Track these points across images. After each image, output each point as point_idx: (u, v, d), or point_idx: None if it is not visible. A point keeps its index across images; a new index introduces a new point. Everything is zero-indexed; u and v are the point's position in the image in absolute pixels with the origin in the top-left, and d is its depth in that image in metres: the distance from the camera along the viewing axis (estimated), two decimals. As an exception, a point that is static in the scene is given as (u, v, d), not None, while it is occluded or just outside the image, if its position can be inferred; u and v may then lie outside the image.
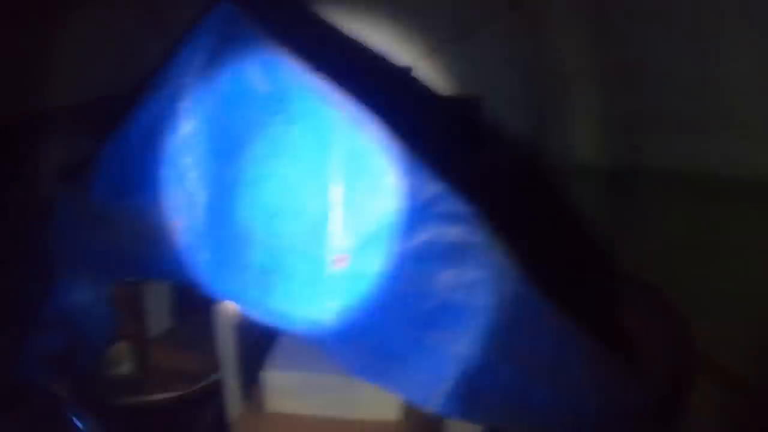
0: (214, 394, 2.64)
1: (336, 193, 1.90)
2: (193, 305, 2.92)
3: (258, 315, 2.06)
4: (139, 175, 2.29)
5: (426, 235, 1.76)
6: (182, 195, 2.20)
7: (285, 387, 2.27)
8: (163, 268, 2.29)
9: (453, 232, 1.73)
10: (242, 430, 2.30)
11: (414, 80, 2.87)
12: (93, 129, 2.96)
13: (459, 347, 1.49)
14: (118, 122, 2.36)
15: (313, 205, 1.93)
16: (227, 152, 2.18)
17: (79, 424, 2.66)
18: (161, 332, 3.01)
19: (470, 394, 1.42)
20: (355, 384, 1.99)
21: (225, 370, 2.47)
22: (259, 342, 2.57)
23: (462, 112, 2.87)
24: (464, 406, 1.44)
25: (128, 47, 3.24)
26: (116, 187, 2.38)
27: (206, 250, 2.14)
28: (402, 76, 2.82)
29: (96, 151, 2.51)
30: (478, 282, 1.62)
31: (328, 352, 1.84)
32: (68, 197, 2.57)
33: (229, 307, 2.32)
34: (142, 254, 2.35)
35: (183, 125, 2.25)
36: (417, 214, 1.78)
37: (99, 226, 2.45)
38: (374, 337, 1.64)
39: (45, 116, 3.41)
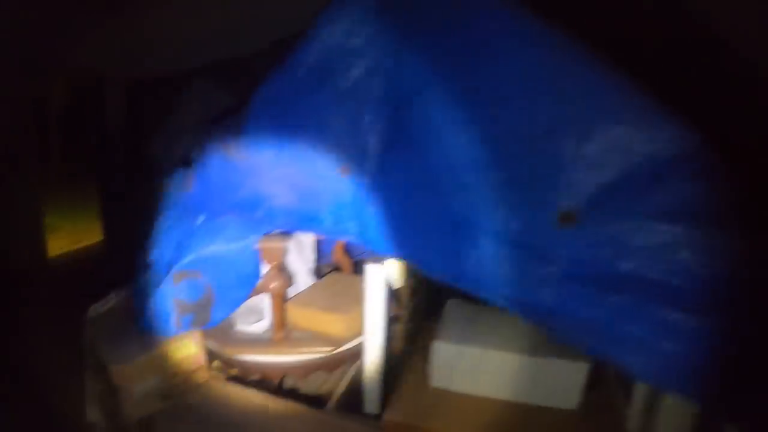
0: (348, 360, 2.57)
1: (562, 143, 1.62)
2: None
3: (442, 276, 1.86)
4: (297, 121, 2.14)
5: (667, 193, 1.49)
6: (352, 141, 2.02)
7: (455, 360, 2.09)
8: (321, 221, 2.14)
9: (698, 192, 1.45)
10: (402, 403, 2.12)
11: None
12: (231, 86, 3.25)
13: (695, 322, 1.34)
14: (258, 78, 2.25)
15: (527, 156, 1.70)
16: (409, 94, 1.95)
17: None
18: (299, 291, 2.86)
19: (706, 370, 1.31)
20: (532, 365, 1.90)
21: (369, 336, 2.30)
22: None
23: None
24: (701, 382, 1.34)
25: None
26: (271, 135, 2.24)
27: (379, 203, 1.95)
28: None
29: (239, 104, 2.44)
30: (722, 251, 1.39)
31: (542, 322, 1.66)
32: (216, 148, 2.49)
33: (379, 267, 2.13)
34: (296, 206, 2.21)
35: (355, 66, 2.05)
36: (658, 169, 1.49)
37: (250, 175, 2.34)
38: (602, 311, 1.46)
39: (187, 74, 3.59)
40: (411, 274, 2.33)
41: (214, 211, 2.55)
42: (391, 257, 2.08)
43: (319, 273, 3.06)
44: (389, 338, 2.27)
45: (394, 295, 2.34)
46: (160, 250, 2.67)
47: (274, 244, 2.50)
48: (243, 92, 2.42)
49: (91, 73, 5.75)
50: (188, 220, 2.66)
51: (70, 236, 5.90)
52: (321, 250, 3.11)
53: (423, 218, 1.85)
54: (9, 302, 4.46)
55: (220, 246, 2.54)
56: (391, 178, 1.93)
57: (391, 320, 2.36)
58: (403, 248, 1.83)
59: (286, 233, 2.52)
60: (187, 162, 2.78)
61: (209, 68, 3.66)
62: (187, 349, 2.52)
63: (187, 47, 3.65)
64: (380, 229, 1.85)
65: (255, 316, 2.77)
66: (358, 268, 2.90)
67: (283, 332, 2.63)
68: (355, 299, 2.53)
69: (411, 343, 2.45)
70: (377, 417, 2.18)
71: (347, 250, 3.09)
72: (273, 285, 2.52)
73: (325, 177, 1.93)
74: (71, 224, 6.25)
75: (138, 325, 2.53)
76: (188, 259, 2.52)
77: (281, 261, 2.57)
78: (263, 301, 2.75)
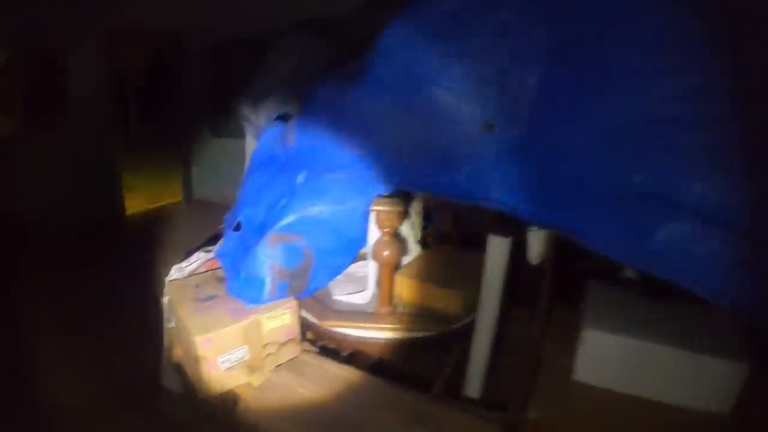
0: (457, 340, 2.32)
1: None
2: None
3: (614, 253, 1.58)
4: (432, 67, 1.85)
5: None
6: (501, 92, 1.74)
7: (606, 352, 1.84)
8: (455, 184, 1.88)
9: None
10: (545, 402, 1.87)
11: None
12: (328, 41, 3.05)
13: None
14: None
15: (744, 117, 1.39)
16: (580, 37, 1.65)
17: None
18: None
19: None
20: (689, 361, 1.69)
21: (482, 315, 2.08)
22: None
23: None
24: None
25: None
26: (397, 82, 1.97)
27: (531, 165, 1.68)
28: None
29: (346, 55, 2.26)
30: None
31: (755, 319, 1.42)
32: (326, 98, 2.27)
33: (503, 240, 1.92)
34: (422, 165, 1.96)
35: (507, 5, 1.75)
36: None
37: (365, 129, 2.10)
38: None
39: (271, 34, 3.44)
40: (553, 248, 2.09)
41: (318, 169, 2.32)
42: (542, 227, 1.93)
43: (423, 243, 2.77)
44: (500, 319, 2.08)
45: (529, 273, 2.17)
46: (252, 210, 2.47)
47: (390, 207, 2.23)
48: (346, 46, 2.26)
49: (173, 35, 5.75)
50: (286, 179, 2.44)
51: (147, 196, 6.29)
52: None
53: (592, 186, 1.58)
54: (91, 254, 4.65)
55: (323, 207, 2.30)
56: (548, 137, 1.67)
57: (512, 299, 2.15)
58: (562, 218, 1.65)
59: (402, 196, 2.25)
60: (286, 116, 2.59)
61: (294, 27, 3.47)
62: (280, 318, 2.28)
63: (270, 7, 3.74)
64: (531, 195, 1.67)
65: (356, 285, 2.56)
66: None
67: (389, 306, 2.39)
68: (468, 274, 2.31)
69: (543, 328, 2.24)
70: (477, 402, 2.07)
71: (457, 220, 2.83)
72: (385, 253, 2.27)
73: (462, 133, 1.74)
74: (148, 185, 6.48)
75: (227, 290, 2.32)
76: (287, 220, 2.29)
77: (396, 227, 2.31)
78: (366, 270, 2.52)
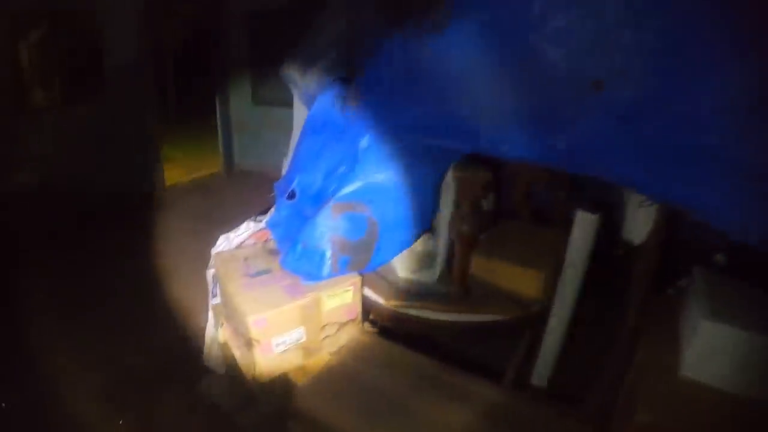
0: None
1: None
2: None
3: (730, 228, 1.39)
4: (534, 14, 1.53)
5: None
6: (614, 50, 1.44)
7: (721, 346, 1.54)
8: (554, 151, 1.61)
9: None
10: (654, 401, 1.57)
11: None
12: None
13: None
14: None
15: None
16: None
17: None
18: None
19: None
20: None
21: (561, 298, 1.91)
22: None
23: None
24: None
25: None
26: (484, 32, 1.67)
27: (643, 131, 1.44)
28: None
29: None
30: None
31: None
32: (395, 55, 1.94)
33: (592, 216, 1.76)
34: (513, 129, 1.69)
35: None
36: None
37: (443, 87, 1.82)
38: None
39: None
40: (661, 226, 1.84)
41: (384, 132, 2.07)
42: (656, 202, 1.76)
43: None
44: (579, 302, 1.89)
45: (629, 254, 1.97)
46: (307, 177, 2.22)
47: (473, 176, 2.02)
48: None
49: (212, 3, 5.53)
50: (346, 143, 2.17)
51: (187, 166, 6.20)
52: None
53: (728, 160, 1.34)
54: (131, 225, 4.59)
55: (391, 174, 2.07)
56: (672, 102, 1.39)
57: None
58: (686, 194, 1.44)
59: (490, 163, 2.02)
60: (344, 78, 2.34)
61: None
62: (341, 297, 2.05)
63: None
64: (647, 165, 1.47)
65: (421, 262, 2.31)
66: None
67: (463, 287, 2.17)
68: (544, 252, 2.11)
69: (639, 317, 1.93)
70: (542, 391, 1.93)
71: (530, 194, 2.55)
72: (464, 228, 2.04)
73: (564, 92, 1.52)
74: (188, 155, 6.33)
75: (280, 264, 2.09)
76: (350, 188, 2.05)
77: (479, 199, 2.08)
78: (435, 245, 2.27)
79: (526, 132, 1.64)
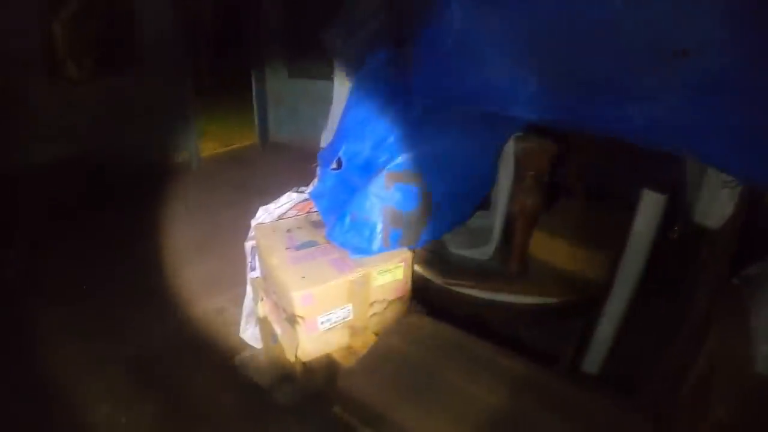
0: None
1: None
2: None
3: None
4: None
5: None
6: (702, 13, 1.32)
7: None
8: (627, 117, 1.47)
9: None
10: (731, 398, 1.38)
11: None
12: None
13: None
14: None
15: None
16: None
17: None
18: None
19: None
20: None
21: (621, 281, 1.77)
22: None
23: None
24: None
25: None
26: None
27: (734, 104, 1.31)
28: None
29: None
30: None
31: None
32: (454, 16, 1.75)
33: (659, 197, 1.60)
34: (586, 90, 1.55)
35: None
36: None
37: (506, 50, 1.68)
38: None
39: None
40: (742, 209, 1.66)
41: (440, 99, 1.91)
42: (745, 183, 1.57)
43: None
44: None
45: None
46: (355, 146, 2.06)
47: (542, 145, 1.85)
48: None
49: None
50: (398, 110, 2.02)
51: (221, 139, 6.13)
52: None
53: None
54: (166, 197, 4.51)
55: (447, 143, 1.93)
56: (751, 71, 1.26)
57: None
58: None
59: (551, 135, 1.83)
60: (397, 41, 2.16)
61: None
62: (392, 273, 1.92)
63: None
64: (737, 143, 1.32)
65: (475, 237, 2.18)
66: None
67: (522, 265, 2.01)
68: (604, 233, 1.94)
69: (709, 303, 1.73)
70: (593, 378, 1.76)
71: (583, 170, 2.31)
72: (528, 202, 1.88)
73: (645, 58, 1.40)
74: (223, 128, 6.26)
75: (327, 237, 1.96)
76: (402, 158, 1.91)
77: (544, 171, 1.90)
78: (491, 220, 2.12)
79: (600, 102, 1.51)
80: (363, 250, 1.81)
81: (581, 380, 1.77)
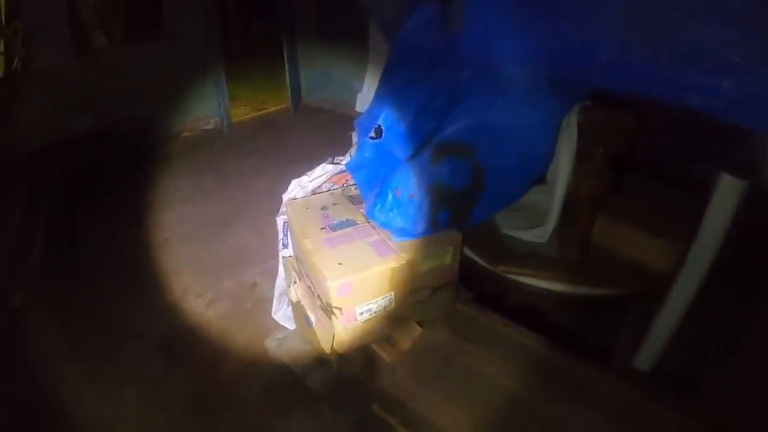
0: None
1: None
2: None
3: None
4: None
5: None
6: None
7: None
8: (718, 91, 1.28)
9: None
10: None
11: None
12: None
13: None
14: None
15: None
16: None
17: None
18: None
19: None
20: None
21: (688, 272, 1.56)
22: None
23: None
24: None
25: None
26: None
27: None
28: None
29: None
30: None
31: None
32: None
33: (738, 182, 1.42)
34: (667, 57, 1.37)
35: None
36: None
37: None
38: None
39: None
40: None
41: (495, 61, 1.70)
42: None
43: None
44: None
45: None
46: (396, 112, 1.85)
47: (618, 119, 1.60)
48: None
49: None
50: (445, 73, 1.82)
51: (252, 104, 5.96)
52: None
53: None
54: (197, 164, 4.39)
55: (502, 112, 1.70)
56: None
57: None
58: None
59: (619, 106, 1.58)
60: None
61: None
62: (439, 258, 1.71)
63: None
64: None
65: (528, 217, 2.00)
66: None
67: (584, 252, 1.80)
68: (678, 220, 1.70)
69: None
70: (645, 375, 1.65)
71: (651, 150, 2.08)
72: (596, 183, 1.65)
73: (741, 22, 1.22)
74: (254, 92, 6.23)
75: (366, 216, 1.77)
76: (452, 128, 1.69)
77: (622, 148, 1.67)
78: (548, 199, 1.90)
79: (691, 73, 1.35)
80: (407, 232, 1.61)
81: (634, 378, 1.63)
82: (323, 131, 4.65)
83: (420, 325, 1.70)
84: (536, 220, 1.89)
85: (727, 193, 1.48)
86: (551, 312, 1.92)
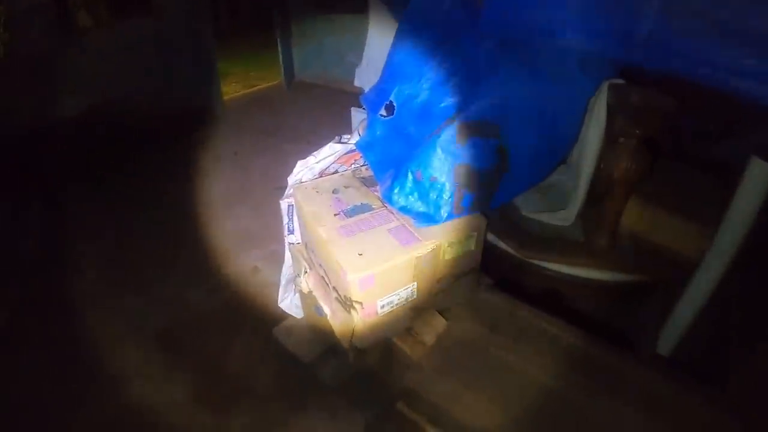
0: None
1: None
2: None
3: None
4: None
5: None
6: None
7: None
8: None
9: None
10: None
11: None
12: None
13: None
14: None
15: None
16: None
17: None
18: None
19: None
20: None
21: (713, 257, 1.53)
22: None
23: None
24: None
25: None
26: None
27: None
28: None
29: None
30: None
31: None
32: None
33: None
34: (704, 34, 1.26)
35: None
36: None
37: None
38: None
39: None
40: None
41: (520, 34, 1.60)
42: None
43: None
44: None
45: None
46: (409, 87, 1.72)
47: (656, 100, 1.48)
48: None
49: None
50: (464, 46, 1.69)
51: (244, 80, 5.79)
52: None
53: None
54: (193, 142, 4.26)
55: (531, 89, 1.59)
56: None
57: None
58: None
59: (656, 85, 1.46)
60: None
61: None
62: (464, 244, 1.60)
63: None
64: None
65: (548, 199, 1.89)
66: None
67: (613, 238, 1.72)
68: (709, 204, 1.60)
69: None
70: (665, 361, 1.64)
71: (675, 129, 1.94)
72: (631, 166, 1.54)
73: None
74: (246, 69, 6.06)
75: (383, 199, 1.64)
76: (475, 106, 1.54)
77: (657, 131, 1.58)
78: (567, 178, 1.85)
79: (733, 54, 1.24)
80: (430, 217, 1.50)
81: (668, 370, 1.56)
82: (319, 107, 4.50)
83: (442, 316, 1.60)
84: (557, 202, 1.80)
85: (756, 177, 1.42)
86: (571, 298, 1.83)
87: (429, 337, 1.54)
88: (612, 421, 1.25)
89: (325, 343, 1.83)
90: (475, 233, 1.52)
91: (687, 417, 1.28)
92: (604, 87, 1.60)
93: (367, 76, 2.82)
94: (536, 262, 1.66)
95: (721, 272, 1.56)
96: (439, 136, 1.44)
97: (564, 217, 1.73)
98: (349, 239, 1.43)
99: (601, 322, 1.80)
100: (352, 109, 2.66)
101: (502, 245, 1.69)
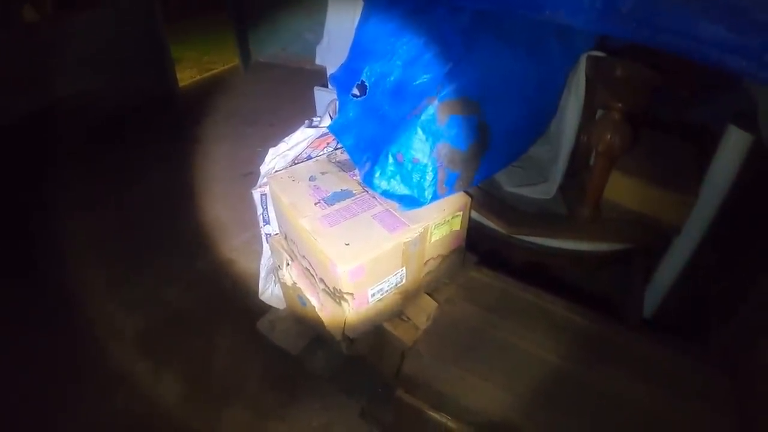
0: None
1: None
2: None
3: None
4: None
5: None
6: None
7: None
8: (743, 48, 1.05)
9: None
10: None
11: None
12: None
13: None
14: None
15: None
16: None
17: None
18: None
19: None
20: None
21: (695, 221, 1.64)
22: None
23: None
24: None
25: None
26: None
27: None
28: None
29: None
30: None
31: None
32: None
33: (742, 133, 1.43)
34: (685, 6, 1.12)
35: None
36: None
37: None
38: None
39: None
40: None
41: (498, 4, 1.42)
42: None
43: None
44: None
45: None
46: (382, 65, 1.65)
47: (640, 73, 1.47)
48: None
49: None
50: (438, 19, 1.62)
51: (199, 65, 5.55)
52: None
53: None
54: (146, 133, 4.06)
55: (507, 64, 1.55)
56: None
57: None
58: None
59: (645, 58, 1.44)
60: None
61: None
62: (449, 224, 1.57)
63: None
64: None
65: (528, 172, 1.88)
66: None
67: (596, 209, 1.72)
68: (688, 172, 1.69)
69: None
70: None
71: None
72: (613, 139, 1.52)
73: None
74: (200, 53, 5.82)
75: (362, 183, 1.60)
76: (455, 83, 1.49)
77: (643, 105, 1.57)
78: (552, 153, 1.83)
79: (715, 27, 1.11)
80: (414, 200, 1.46)
81: (648, 331, 1.55)
82: (279, 88, 4.38)
83: (431, 298, 1.59)
84: (537, 174, 1.79)
85: (733, 145, 1.47)
86: (556, 269, 1.88)
87: (421, 320, 1.52)
88: (614, 391, 1.26)
89: (311, 333, 1.80)
90: (461, 212, 1.50)
91: (682, 379, 1.31)
92: (583, 59, 1.58)
93: (329, 54, 2.72)
94: (523, 237, 1.61)
95: (700, 234, 1.64)
96: (419, 117, 1.38)
97: (545, 190, 1.72)
98: (333, 229, 1.39)
99: (587, 292, 1.84)
100: (315, 88, 2.57)
101: (485, 222, 1.65)
